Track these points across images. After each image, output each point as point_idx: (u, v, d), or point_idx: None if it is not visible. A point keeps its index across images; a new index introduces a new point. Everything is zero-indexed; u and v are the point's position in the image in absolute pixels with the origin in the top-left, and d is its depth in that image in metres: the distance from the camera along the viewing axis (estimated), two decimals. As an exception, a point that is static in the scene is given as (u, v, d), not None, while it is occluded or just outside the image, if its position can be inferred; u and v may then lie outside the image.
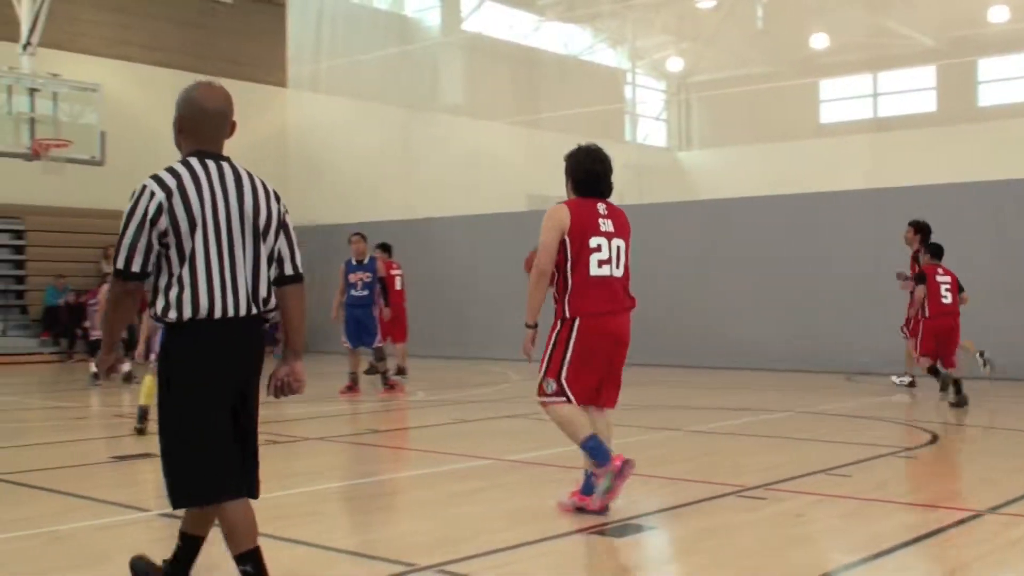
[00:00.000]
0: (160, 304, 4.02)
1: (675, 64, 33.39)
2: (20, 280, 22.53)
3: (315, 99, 24.89)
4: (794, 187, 18.96)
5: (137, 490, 7.34)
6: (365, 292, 14.02)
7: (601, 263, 6.02)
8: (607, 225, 6.10)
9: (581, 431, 6.03)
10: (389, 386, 14.06)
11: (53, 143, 16.30)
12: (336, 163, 24.24)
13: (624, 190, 21.71)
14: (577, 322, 5.99)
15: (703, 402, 13.29)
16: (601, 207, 6.15)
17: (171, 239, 3.97)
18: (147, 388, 9.69)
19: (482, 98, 23.59)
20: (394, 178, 23.70)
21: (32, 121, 16.31)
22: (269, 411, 12.16)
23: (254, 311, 4.10)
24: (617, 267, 6.09)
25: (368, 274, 14.04)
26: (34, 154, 16.27)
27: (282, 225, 4.22)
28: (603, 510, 5.99)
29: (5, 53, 17.92)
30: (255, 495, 4.29)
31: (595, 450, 6.00)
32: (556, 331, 6.09)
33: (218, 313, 4.00)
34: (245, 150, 23.86)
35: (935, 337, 11.67)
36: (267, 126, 26.71)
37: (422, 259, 22.90)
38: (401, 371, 15.69)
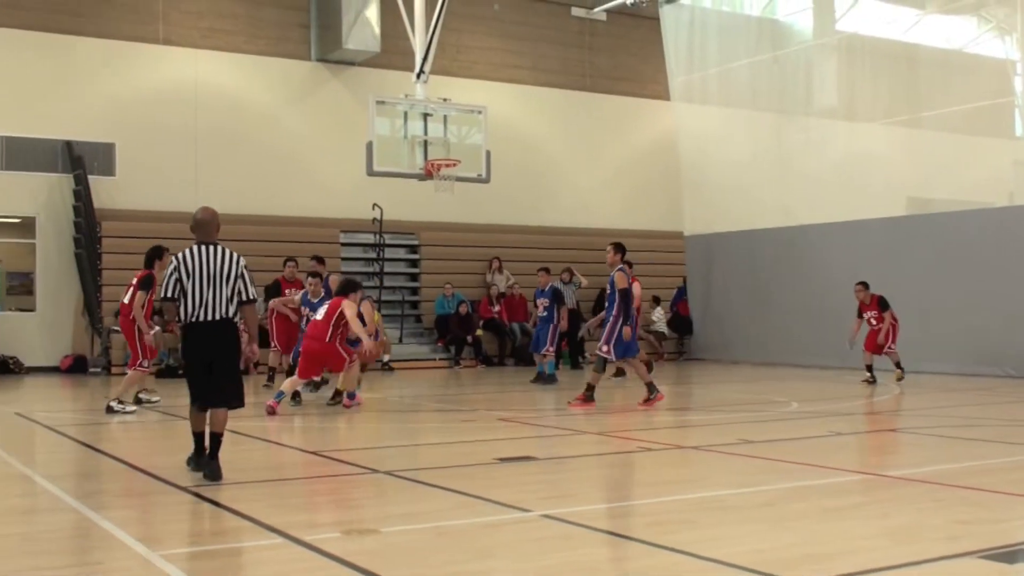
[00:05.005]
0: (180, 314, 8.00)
1: (1075, 50, 30.56)
2: (415, 292, 24.26)
3: (688, 109, 25.05)
4: None
5: (518, 491, 7.68)
6: None
7: None
8: None
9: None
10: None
11: (444, 163, 17.33)
12: (710, 172, 24.28)
13: (1016, 189, 20.18)
14: None
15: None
16: None
17: (180, 283, 7.89)
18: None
19: (858, 99, 22.71)
20: (768, 185, 23.38)
21: (425, 143, 17.41)
22: (639, 418, 12.37)
23: (218, 318, 7.89)
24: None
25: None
26: (427, 174, 17.36)
27: (240, 275, 7.97)
28: None
29: (401, 82, 19.40)
30: (224, 407, 7.94)
31: None
32: None
33: (196, 319, 7.88)
34: (630, 161, 24.69)
35: None
36: (645, 138, 27.25)
37: (798, 267, 22.46)
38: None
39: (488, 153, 17.83)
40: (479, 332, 22.79)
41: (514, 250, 24.51)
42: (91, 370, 20.20)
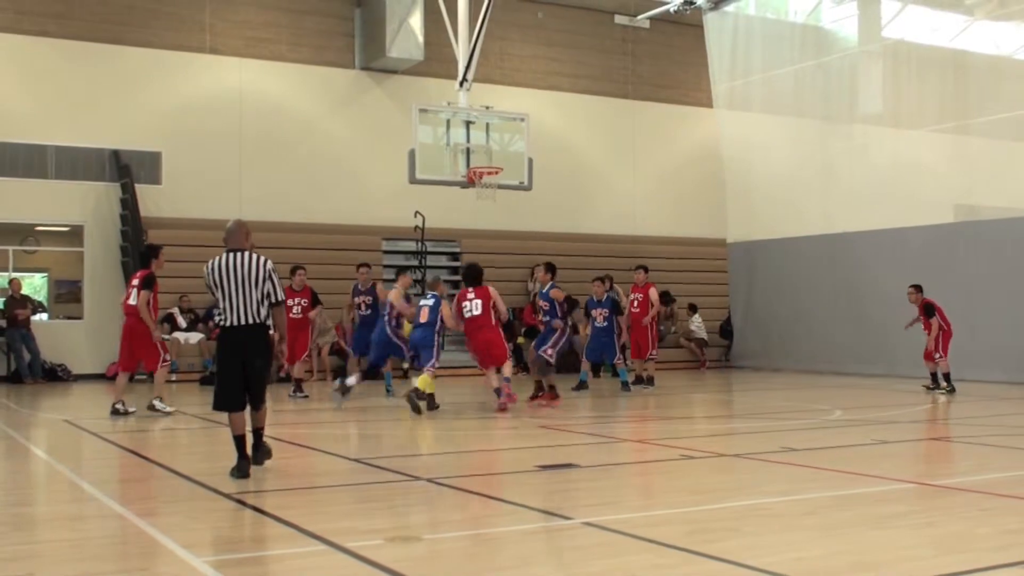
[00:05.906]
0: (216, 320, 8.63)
1: None
2: (457, 299, 24.29)
3: (731, 116, 24.96)
4: None
5: (560, 498, 7.68)
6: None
7: None
8: None
9: None
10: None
11: (486, 171, 17.36)
12: (753, 179, 24.17)
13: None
14: None
15: None
16: None
17: (211, 292, 8.40)
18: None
19: (904, 106, 22.51)
20: (811, 193, 23.23)
21: (467, 151, 17.46)
22: (682, 427, 12.31)
23: (251, 322, 8.21)
24: None
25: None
26: (469, 182, 17.39)
27: (267, 277, 8.27)
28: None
29: (444, 90, 19.47)
30: (256, 409, 8.40)
31: None
32: None
33: (229, 323, 8.24)
34: (673, 169, 24.60)
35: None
36: (687, 146, 27.16)
37: (841, 274, 22.28)
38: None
39: (530, 161, 17.84)
40: (520, 339, 22.77)
41: (556, 257, 24.41)
42: (137, 377, 20.39)
